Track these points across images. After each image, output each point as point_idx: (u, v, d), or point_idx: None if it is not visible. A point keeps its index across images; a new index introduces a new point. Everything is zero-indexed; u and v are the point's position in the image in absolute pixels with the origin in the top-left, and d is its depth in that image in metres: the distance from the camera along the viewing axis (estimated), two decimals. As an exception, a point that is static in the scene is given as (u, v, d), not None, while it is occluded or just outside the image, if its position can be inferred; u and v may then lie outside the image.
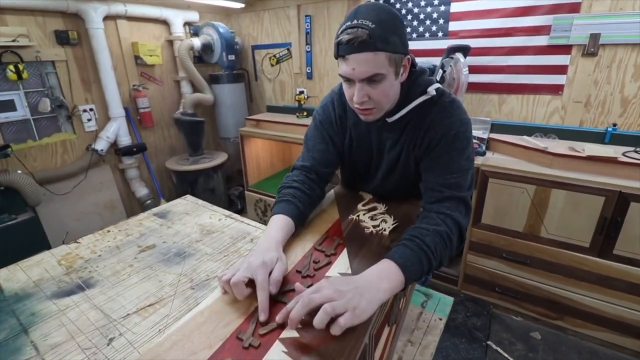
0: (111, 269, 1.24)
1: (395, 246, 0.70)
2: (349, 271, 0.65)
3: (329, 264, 0.68)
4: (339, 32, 0.74)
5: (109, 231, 1.50)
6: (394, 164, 0.94)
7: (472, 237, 1.96)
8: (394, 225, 0.81)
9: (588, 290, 1.73)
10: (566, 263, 1.74)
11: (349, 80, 0.78)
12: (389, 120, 0.86)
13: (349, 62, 0.74)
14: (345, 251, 0.72)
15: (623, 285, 1.63)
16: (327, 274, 0.64)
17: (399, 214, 0.87)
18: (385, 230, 0.79)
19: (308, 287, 0.58)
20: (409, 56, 0.80)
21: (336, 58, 0.78)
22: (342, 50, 0.73)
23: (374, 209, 0.92)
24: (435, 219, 0.75)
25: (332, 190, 1.06)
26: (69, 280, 1.18)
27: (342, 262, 0.68)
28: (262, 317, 0.57)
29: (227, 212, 1.64)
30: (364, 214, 0.88)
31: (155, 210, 1.69)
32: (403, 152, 0.90)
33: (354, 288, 0.57)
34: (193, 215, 1.61)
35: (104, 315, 1.00)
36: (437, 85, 0.85)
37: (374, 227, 0.81)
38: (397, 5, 2.40)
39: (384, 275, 0.63)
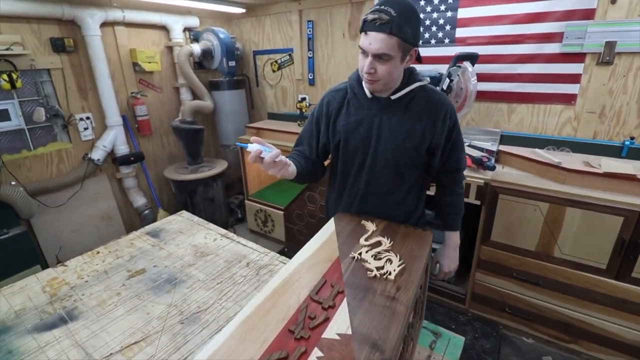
0: (97, 297, 1.16)
1: (453, 219, 1.22)
2: (349, 331, 0.57)
3: (327, 320, 0.59)
4: (368, 12, 0.90)
5: (98, 252, 1.43)
6: (400, 141, 1.05)
7: (481, 254, 1.87)
8: (400, 266, 0.73)
9: (604, 313, 1.63)
10: (581, 285, 1.64)
11: (364, 52, 0.95)
12: (393, 97, 1.03)
13: (368, 37, 0.91)
14: (345, 303, 0.63)
15: (642, 309, 1.54)
16: (323, 336, 0.56)
17: (405, 252, 0.79)
18: (390, 274, 0.71)
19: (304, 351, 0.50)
20: (416, 49, 0.97)
21: (360, 32, 0.95)
22: (366, 26, 0.91)
23: (378, 244, 0.83)
24: (457, 188, 1.21)
25: (332, 220, 0.98)
26: (52, 311, 1.10)
27: (341, 318, 0.60)
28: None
29: (223, 231, 1.56)
30: (366, 251, 0.79)
31: (148, 228, 1.62)
32: (417, 132, 1.04)
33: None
34: (187, 235, 1.54)
35: (85, 355, 0.92)
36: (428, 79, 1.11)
37: (377, 269, 0.73)
38: (402, 11, 2.31)
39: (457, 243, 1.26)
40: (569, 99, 1.96)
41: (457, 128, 1.09)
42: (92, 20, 2.33)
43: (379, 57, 0.91)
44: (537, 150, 1.93)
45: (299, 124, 2.80)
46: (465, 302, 2.03)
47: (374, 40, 0.89)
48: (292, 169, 1.05)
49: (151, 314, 1.07)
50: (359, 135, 1.09)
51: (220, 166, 2.98)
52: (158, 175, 3.03)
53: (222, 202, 3.05)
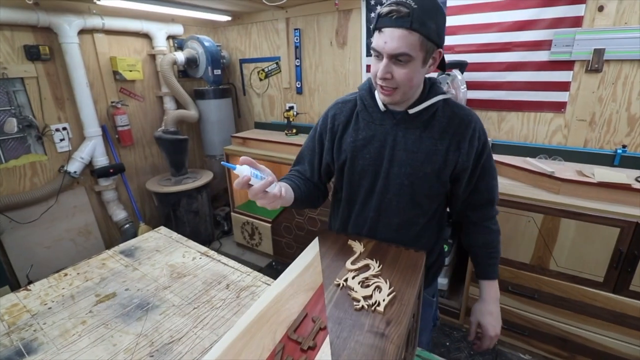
0: (60, 327, 1.05)
1: (488, 265, 1.03)
2: (331, 380, 0.49)
3: (306, 365, 0.51)
4: (382, 5, 0.76)
5: (66, 274, 1.31)
6: (418, 165, 0.88)
7: (474, 268, 1.81)
8: (390, 295, 0.65)
9: (602, 328, 1.58)
10: (578, 298, 1.59)
11: (378, 55, 0.80)
12: (411, 111, 0.87)
13: (383, 35, 0.75)
14: (327, 342, 0.55)
15: (641, 323, 1.49)
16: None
17: (396, 277, 0.71)
18: (379, 304, 0.63)
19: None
20: (441, 50, 0.81)
21: (373, 32, 0.79)
22: (380, 22, 0.76)
23: (366, 268, 0.76)
24: (491, 225, 1.02)
25: (316, 240, 0.90)
26: (8, 343, 0.99)
27: (322, 362, 0.52)
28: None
29: (203, 249, 1.46)
30: (353, 277, 0.72)
31: (122, 246, 1.51)
32: (439, 155, 0.87)
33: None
34: (164, 253, 1.44)
35: (38, 397, 0.82)
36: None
37: (365, 298, 0.65)
38: (390, 19, 2.28)
39: (498, 296, 1.06)
40: (558, 107, 1.94)
41: (488, 151, 0.92)
42: (69, 27, 2.23)
43: (396, 58, 0.76)
44: (528, 159, 1.89)
45: (286, 134, 2.73)
46: (459, 317, 1.96)
47: (390, 38, 0.74)
48: (289, 195, 0.88)
49: (118, 345, 0.96)
50: (368, 155, 0.91)
51: (206, 177, 2.88)
52: (140, 188, 2.91)
53: (208, 214, 2.95)
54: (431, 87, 0.89)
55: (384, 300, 0.64)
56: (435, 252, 1.06)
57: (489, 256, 1.03)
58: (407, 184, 0.89)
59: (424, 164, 0.87)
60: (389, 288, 0.67)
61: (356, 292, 0.67)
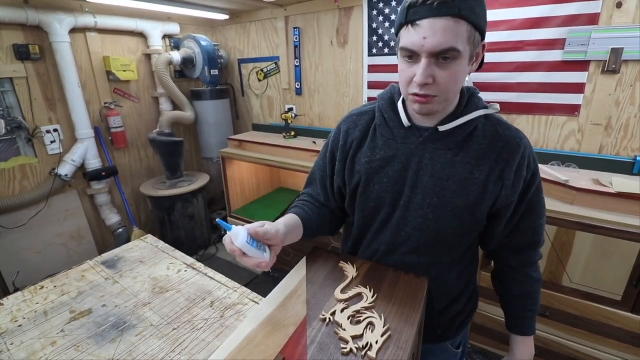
0: (28, 348, 0.96)
1: (525, 318, 0.86)
2: None
3: None
4: None
5: (42, 287, 1.22)
6: (448, 195, 0.71)
7: (481, 282, 1.70)
8: (385, 336, 0.55)
9: (618, 349, 1.46)
10: (593, 317, 1.47)
11: (411, 56, 0.62)
12: (442, 129, 0.71)
13: (420, 30, 0.58)
14: (305, 400, 0.45)
15: (663, 346, 1.37)
16: None
17: (393, 311, 0.61)
18: (371, 347, 0.53)
19: None
20: (485, 43, 0.66)
21: (400, 29, 0.63)
22: (414, 13, 0.58)
23: (358, 297, 0.65)
24: (531, 272, 0.84)
25: (303, 261, 0.80)
26: (-32, 368, 0.91)
27: None
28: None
29: (190, 261, 1.37)
30: (342, 310, 0.62)
31: (105, 256, 1.42)
32: (475, 185, 0.70)
33: None
34: (148, 265, 1.34)
35: None
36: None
37: (354, 339, 0.55)
38: (392, 17, 2.18)
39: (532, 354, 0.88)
40: (572, 110, 1.82)
41: (538, 183, 0.75)
42: (60, 26, 2.16)
43: (439, 56, 0.59)
44: (540, 166, 1.77)
45: (284, 136, 2.63)
46: (464, 333, 1.85)
47: (432, 32, 0.57)
48: (296, 233, 0.79)
49: (86, 373, 0.87)
50: (386, 179, 0.75)
51: (202, 180, 2.79)
52: (135, 191, 2.83)
53: (204, 218, 2.86)
54: (470, 99, 0.72)
55: (377, 342, 0.54)
56: (464, 298, 0.88)
57: (526, 308, 0.86)
58: (432, 218, 0.73)
59: (455, 195, 0.70)
60: (384, 326, 0.57)
61: (345, 330, 0.57)
